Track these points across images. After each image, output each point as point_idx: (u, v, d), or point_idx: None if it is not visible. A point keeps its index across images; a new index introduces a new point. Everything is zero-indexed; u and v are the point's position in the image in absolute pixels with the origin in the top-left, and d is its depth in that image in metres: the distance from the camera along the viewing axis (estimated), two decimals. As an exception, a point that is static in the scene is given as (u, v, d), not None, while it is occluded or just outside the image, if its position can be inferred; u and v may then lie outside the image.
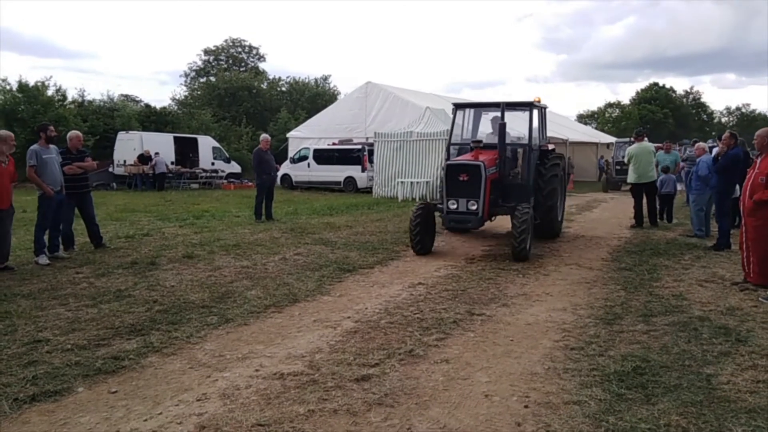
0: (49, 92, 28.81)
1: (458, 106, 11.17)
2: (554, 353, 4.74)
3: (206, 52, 58.52)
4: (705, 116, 72.62)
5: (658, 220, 13.07)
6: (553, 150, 11.46)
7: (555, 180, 10.47)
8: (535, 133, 10.67)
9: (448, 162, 9.43)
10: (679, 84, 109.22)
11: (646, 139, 13.18)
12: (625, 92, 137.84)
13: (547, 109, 11.74)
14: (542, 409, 3.69)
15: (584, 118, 71.58)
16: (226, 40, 58.99)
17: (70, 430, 3.47)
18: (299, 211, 16.08)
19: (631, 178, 12.82)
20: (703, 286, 7.06)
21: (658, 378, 4.15)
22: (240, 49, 59.50)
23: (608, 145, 30.33)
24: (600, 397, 3.84)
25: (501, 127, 9.78)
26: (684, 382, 4.08)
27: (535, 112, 10.71)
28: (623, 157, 22.84)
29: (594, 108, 76.47)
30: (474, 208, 8.99)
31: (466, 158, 9.43)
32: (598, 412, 3.61)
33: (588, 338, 5.09)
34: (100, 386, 4.08)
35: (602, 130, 53.13)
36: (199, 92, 51.30)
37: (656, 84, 69.00)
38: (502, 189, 9.96)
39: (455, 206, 9.06)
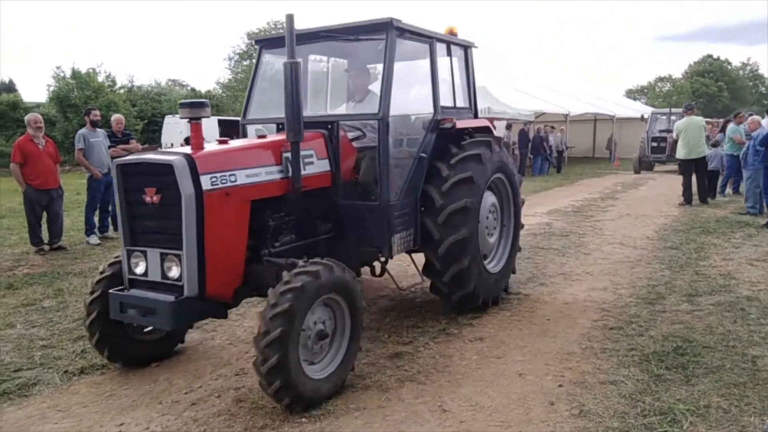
0: (100, 78, 29.78)
1: (264, 44, 5.44)
2: (592, 333, 4.66)
3: (249, 35, 59.09)
4: (763, 89, 69.04)
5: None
6: (487, 130, 5.58)
7: (466, 213, 4.78)
8: (420, 96, 5.10)
9: (118, 160, 3.86)
10: (735, 54, 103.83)
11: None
12: (677, 65, 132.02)
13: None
14: (576, 389, 3.65)
15: (633, 93, 69.14)
16: (268, 23, 59.27)
17: (115, 401, 3.64)
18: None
19: (680, 153, 12.39)
20: (753, 265, 6.78)
21: (699, 359, 4.03)
22: (281, 32, 59.76)
23: (642, 116, 26.76)
24: (637, 377, 3.77)
25: (289, 71, 3.88)
26: (727, 363, 3.95)
27: (408, 47, 4.89)
28: (660, 131, 21.38)
29: (644, 83, 73.74)
30: (174, 273, 3.62)
31: (162, 153, 3.95)
32: (635, 393, 3.55)
33: (628, 318, 4.98)
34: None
35: (652, 105, 51.25)
36: (242, 75, 51.92)
37: (710, 56, 65.86)
38: (320, 217, 4.55)
39: (141, 269, 3.75)
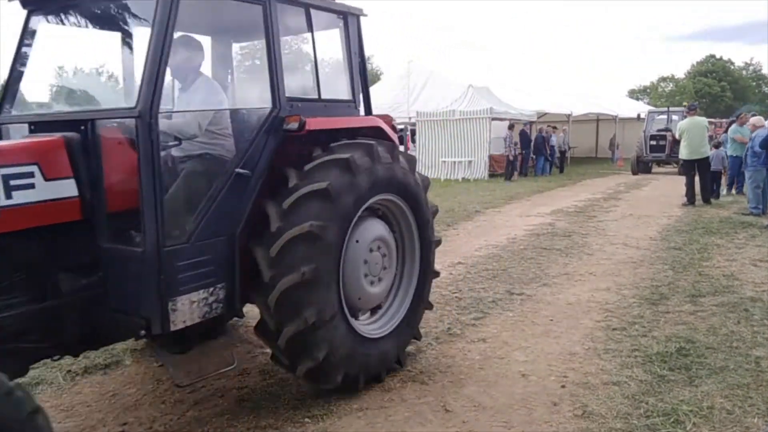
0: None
1: (35, 6, 3.56)
2: (595, 333, 4.66)
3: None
4: (766, 88, 68.94)
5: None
6: (380, 133, 4.07)
7: (311, 243, 3.25)
8: (256, 84, 4.20)
9: None
10: (737, 54, 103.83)
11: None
12: (680, 65, 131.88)
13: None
14: (580, 390, 3.65)
15: (636, 93, 69.09)
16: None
17: (118, 401, 3.65)
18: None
19: (682, 154, 12.42)
20: (756, 265, 6.76)
21: (703, 359, 4.03)
22: None
23: (638, 115, 25.43)
24: (641, 378, 3.77)
25: None
26: (731, 364, 3.94)
27: (237, 13, 3.69)
28: (659, 131, 21.26)
29: (646, 83, 73.71)
30: None
31: None
32: (638, 393, 3.55)
33: (631, 318, 4.98)
34: (147, 360, 4.26)
35: (655, 105, 51.22)
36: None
37: (713, 56, 65.85)
38: (70, 268, 3.02)
39: None
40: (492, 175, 19.55)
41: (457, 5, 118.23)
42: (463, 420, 3.33)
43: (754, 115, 12.02)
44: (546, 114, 23.73)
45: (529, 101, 22.52)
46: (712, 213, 11.05)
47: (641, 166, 20.66)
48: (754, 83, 67.82)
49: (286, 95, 3.54)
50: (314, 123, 3.51)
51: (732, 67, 65.18)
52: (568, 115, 24.13)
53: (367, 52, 4.81)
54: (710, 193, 12.58)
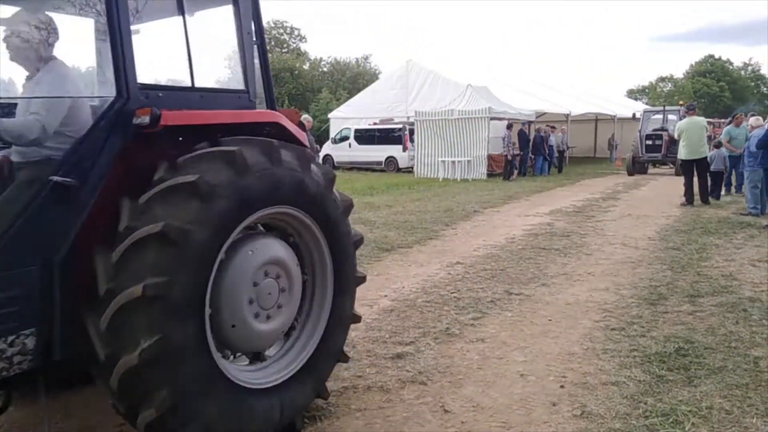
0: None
1: None
2: (594, 333, 4.66)
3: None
4: (765, 89, 69.02)
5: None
6: (280, 130, 3.21)
7: (150, 309, 2.37)
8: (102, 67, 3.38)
9: None
10: (736, 55, 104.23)
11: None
12: (679, 65, 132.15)
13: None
14: (578, 390, 3.64)
15: (635, 93, 69.17)
16: (268, 22, 59.40)
17: (116, 401, 3.63)
18: (340, 190, 16.16)
19: (681, 154, 12.48)
20: (755, 266, 6.76)
21: (701, 360, 4.02)
22: (282, 31, 59.94)
23: (633, 114, 24.64)
24: (639, 378, 3.76)
25: None
26: (729, 364, 3.94)
27: None
28: (655, 130, 21.20)
29: (645, 83, 73.79)
30: None
31: None
32: (637, 394, 3.54)
33: (630, 319, 4.97)
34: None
35: (654, 105, 51.28)
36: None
37: (712, 56, 65.95)
38: None
39: None
40: (490, 175, 19.56)
41: (458, 4, 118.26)
42: (462, 420, 3.32)
43: (752, 116, 12.04)
44: (545, 114, 23.76)
45: (527, 101, 22.59)
46: (710, 213, 11.06)
47: (637, 167, 20.42)
48: (753, 83, 67.94)
49: (139, 81, 2.75)
50: (174, 117, 2.72)
51: (731, 68, 65.33)
52: (567, 115, 24.18)
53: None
54: (710, 193, 12.60)
